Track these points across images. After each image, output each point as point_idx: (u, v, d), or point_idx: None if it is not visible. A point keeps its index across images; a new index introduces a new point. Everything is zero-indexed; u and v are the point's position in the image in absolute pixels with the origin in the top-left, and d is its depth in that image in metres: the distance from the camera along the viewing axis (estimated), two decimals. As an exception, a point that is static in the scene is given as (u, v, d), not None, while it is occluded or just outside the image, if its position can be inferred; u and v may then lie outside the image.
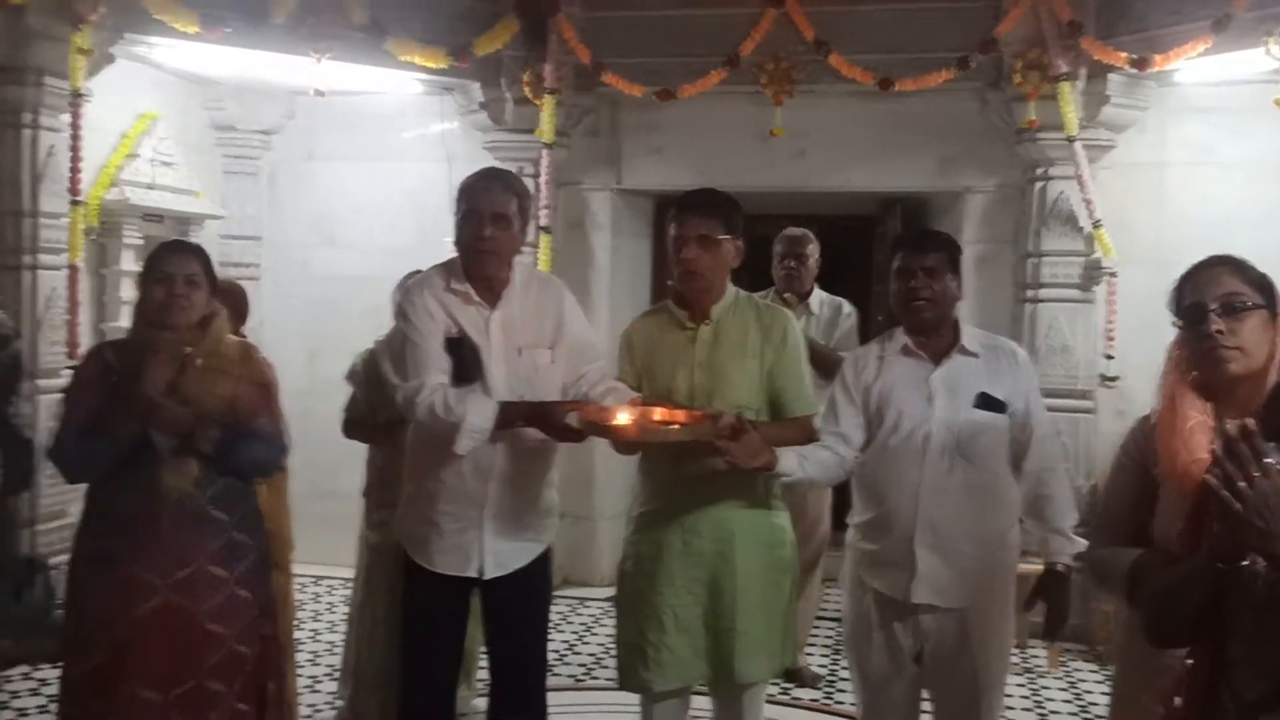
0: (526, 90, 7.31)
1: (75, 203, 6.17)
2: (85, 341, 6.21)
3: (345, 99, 7.93)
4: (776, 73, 6.91)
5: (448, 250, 3.77)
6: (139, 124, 7.13)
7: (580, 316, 3.90)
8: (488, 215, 3.60)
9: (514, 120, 7.50)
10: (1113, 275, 6.57)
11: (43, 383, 5.81)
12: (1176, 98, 6.67)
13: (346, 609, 5.39)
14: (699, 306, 3.75)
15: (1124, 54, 6.28)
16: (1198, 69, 6.29)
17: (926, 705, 3.72)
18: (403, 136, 8.07)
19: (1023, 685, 6.00)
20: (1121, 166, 6.81)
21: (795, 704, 5.69)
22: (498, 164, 7.64)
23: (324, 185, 8.20)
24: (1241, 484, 1.80)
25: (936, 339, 3.64)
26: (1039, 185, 6.82)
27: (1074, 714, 5.68)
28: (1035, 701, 5.81)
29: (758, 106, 7.08)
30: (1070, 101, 6.41)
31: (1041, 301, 6.81)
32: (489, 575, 3.65)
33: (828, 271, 6.11)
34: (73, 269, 6.17)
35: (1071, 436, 6.67)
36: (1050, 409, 6.50)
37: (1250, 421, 1.83)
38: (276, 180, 8.37)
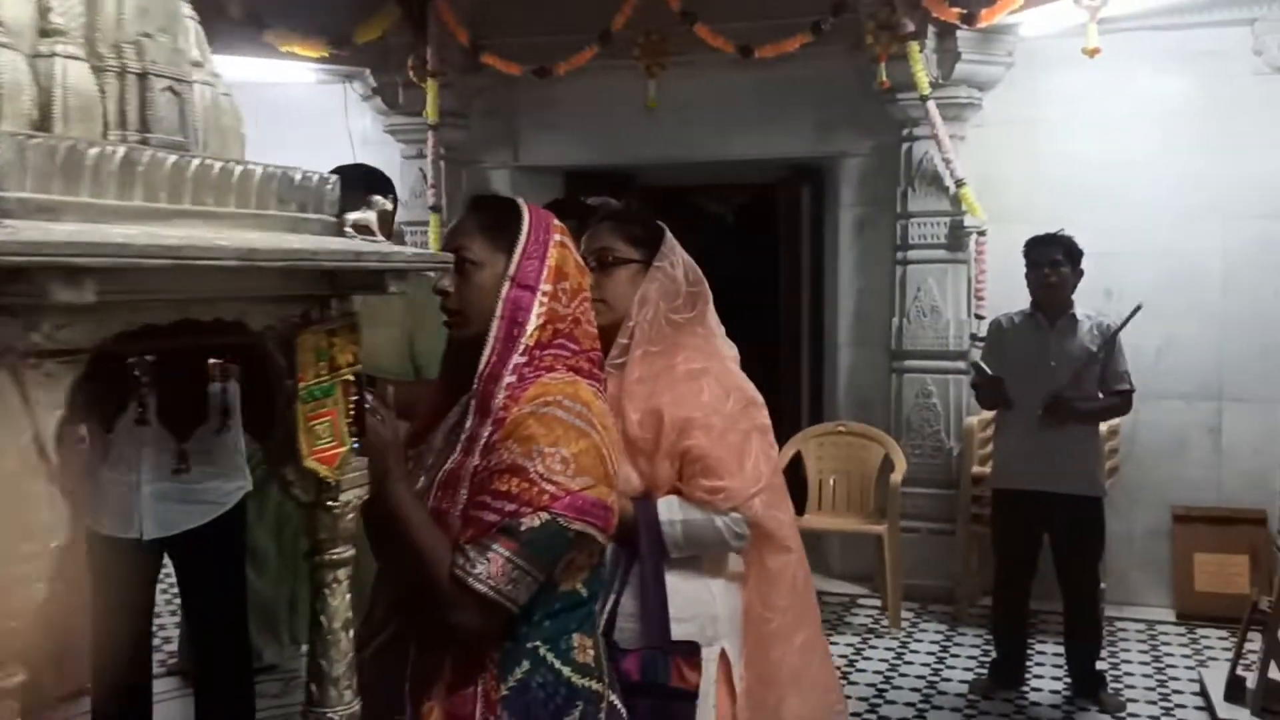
0: (411, 74, 7.42)
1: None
2: None
3: (270, 89, 8.06)
4: (648, 45, 6.97)
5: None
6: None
7: None
8: None
9: (407, 103, 7.64)
10: (981, 234, 6.62)
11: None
12: (1044, 52, 6.63)
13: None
14: None
15: (955, 9, 6.27)
16: (1051, 20, 6.28)
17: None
18: (314, 124, 8.10)
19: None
20: (994, 124, 6.82)
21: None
22: (400, 146, 7.91)
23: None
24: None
25: None
26: (906, 146, 6.83)
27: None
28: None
29: (644, 80, 7.11)
30: (920, 61, 6.39)
31: (911, 263, 6.83)
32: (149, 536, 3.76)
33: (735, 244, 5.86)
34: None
35: (941, 398, 6.77)
36: (920, 370, 6.81)
37: None
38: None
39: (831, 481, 6.78)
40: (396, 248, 1.86)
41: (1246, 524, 6.46)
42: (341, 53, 7.26)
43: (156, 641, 5.66)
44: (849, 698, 5.38)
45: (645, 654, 2.59)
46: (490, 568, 1.99)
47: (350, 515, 1.89)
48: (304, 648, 5.20)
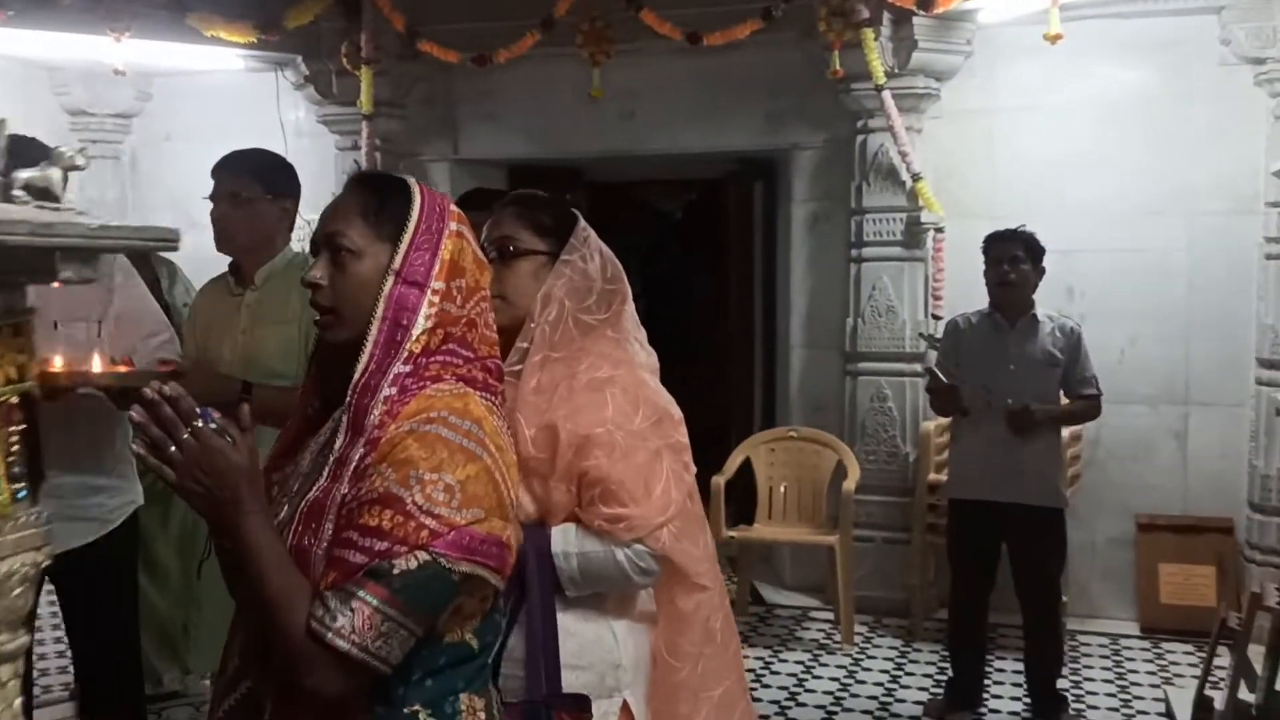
0: (345, 61, 7.07)
1: None
2: None
3: (204, 77, 7.83)
4: (592, 33, 6.63)
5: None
6: (-27, 111, 6.88)
7: (133, 288, 3.62)
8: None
9: (340, 93, 7.29)
10: (938, 231, 6.34)
11: None
12: (1004, 41, 6.36)
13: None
14: (243, 271, 3.71)
15: (911, -7, 5.98)
16: (1010, 6, 6.02)
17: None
18: (250, 113, 7.74)
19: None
20: (952, 115, 6.54)
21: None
22: (334, 138, 7.57)
23: (182, 166, 7.94)
24: (171, 449, 1.67)
25: None
26: (860, 139, 6.54)
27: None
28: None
29: (588, 69, 6.78)
30: (875, 49, 6.10)
31: (866, 261, 6.54)
32: None
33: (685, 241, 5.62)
34: None
35: (897, 402, 6.48)
36: (875, 372, 6.53)
37: (169, 387, 1.66)
38: (137, 163, 8.27)
39: (782, 489, 6.47)
40: (78, 219, 1.43)
41: (1213, 533, 6.22)
42: (271, 38, 6.87)
43: (63, 663, 5.32)
44: (795, 720, 5.12)
45: (526, 708, 2.20)
46: (354, 620, 1.65)
47: (17, 591, 1.46)
48: (207, 677, 4.86)
